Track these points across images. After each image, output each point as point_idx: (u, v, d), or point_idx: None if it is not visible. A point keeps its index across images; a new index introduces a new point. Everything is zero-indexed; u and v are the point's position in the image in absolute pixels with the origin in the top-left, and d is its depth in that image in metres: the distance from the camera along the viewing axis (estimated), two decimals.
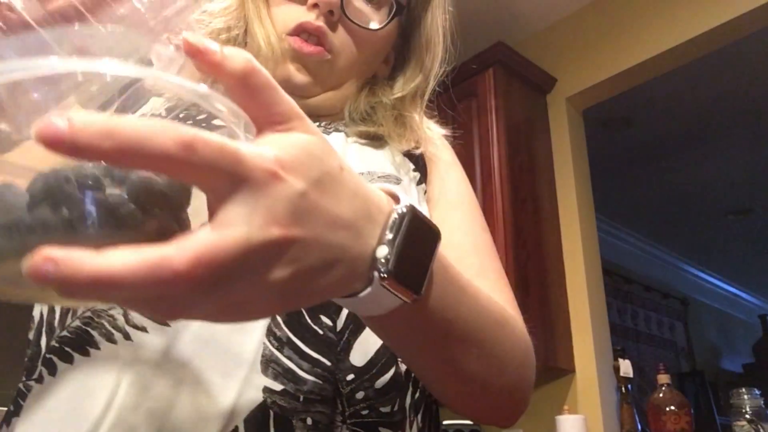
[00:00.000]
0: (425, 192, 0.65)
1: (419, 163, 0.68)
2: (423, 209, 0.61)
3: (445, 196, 0.66)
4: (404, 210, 0.34)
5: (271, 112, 0.30)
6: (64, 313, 0.50)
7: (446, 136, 0.74)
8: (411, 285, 0.34)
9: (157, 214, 0.28)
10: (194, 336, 0.46)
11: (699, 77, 3.04)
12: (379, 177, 0.59)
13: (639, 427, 2.26)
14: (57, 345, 0.49)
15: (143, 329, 0.47)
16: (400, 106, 0.70)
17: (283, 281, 0.28)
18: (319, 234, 0.28)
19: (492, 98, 2.46)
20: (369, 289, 0.32)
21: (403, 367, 0.52)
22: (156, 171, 0.26)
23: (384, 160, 0.64)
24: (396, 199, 0.35)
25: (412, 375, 0.53)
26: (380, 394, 0.51)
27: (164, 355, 0.45)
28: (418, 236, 0.34)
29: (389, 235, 0.33)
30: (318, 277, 0.29)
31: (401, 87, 0.71)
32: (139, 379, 0.45)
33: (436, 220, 0.63)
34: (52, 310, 0.52)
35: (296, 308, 0.48)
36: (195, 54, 0.28)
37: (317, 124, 0.66)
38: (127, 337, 0.47)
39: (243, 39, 0.66)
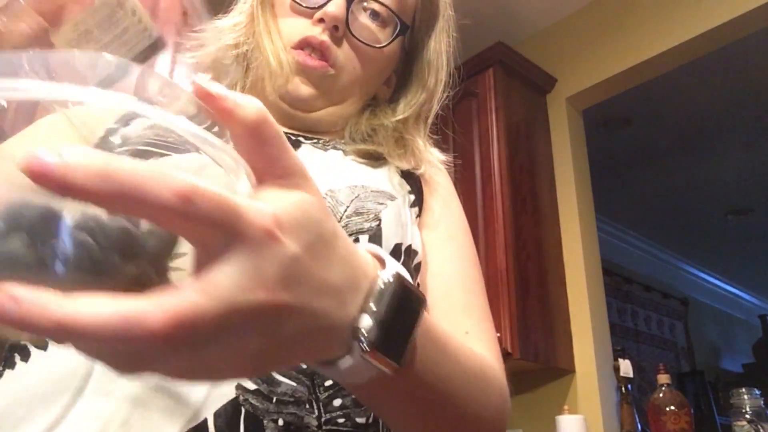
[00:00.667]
0: (418, 215, 0.65)
1: (416, 185, 0.67)
2: (413, 232, 0.61)
3: (442, 224, 0.66)
4: (390, 279, 0.32)
5: (275, 165, 0.28)
6: None
7: (446, 163, 0.73)
8: (393, 356, 0.33)
9: (137, 262, 0.26)
10: None
11: (699, 77, 3.04)
12: (372, 191, 0.59)
13: (639, 427, 2.26)
14: None
15: None
16: (402, 129, 0.70)
17: (262, 346, 0.26)
18: (305, 301, 0.27)
19: (492, 98, 2.46)
20: (350, 360, 0.31)
21: None
22: (149, 220, 0.25)
23: (381, 177, 0.64)
24: (382, 263, 0.34)
25: None
26: (357, 404, 0.50)
27: None
28: (402, 306, 0.33)
29: (373, 305, 0.31)
30: (298, 343, 0.28)
31: (403, 109, 0.71)
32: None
33: (430, 246, 0.63)
34: None
35: (268, 372, 0.47)
36: (205, 98, 0.27)
37: (316, 141, 0.66)
38: None
39: (252, 55, 0.67)
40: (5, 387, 0.48)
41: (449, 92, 0.73)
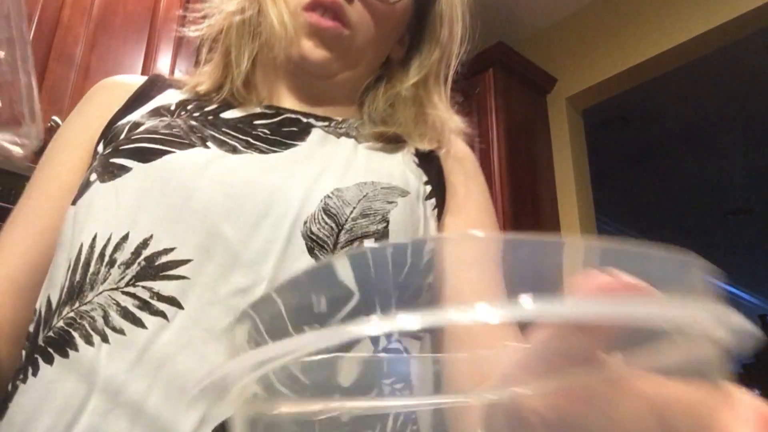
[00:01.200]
0: (435, 207, 0.62)
1: (435, 169, 0.64)
2: (428, 227, 0.59)
3: (463, 210, 0.64)
4: None
5: None
6: (54, 311, 0.50)
7: (466, 134, 0.70)
8: None
9: None
10: (173, 336, 0.45)
11: (698, 77, 3.04)
12: (383, 188, 0.56)
13: None
14: (43, 345, 0.49)
15: (121, 331, 0.46)
16: (422, 97, 0.67)
17: None
18: None
19: (492, 98, 2.46)
20: None
21: None
22: None
23: (394, 169, 0.61)
24: None
25: None
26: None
27: (138, 357, 0.45)
28: None
29: None
30: None
31: (417, 70, 0.67)
32: (111, 384, 0.44)
33: (453, 230, 0.61)
34: (49, 306, 0.51)
35: None
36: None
37: (328, 123, 0.64)
38: (104, 339, 0.46)
39: (257, 20, 0.64)
40: (16, 404, 0.47)
41: (467, 47, 0.69)
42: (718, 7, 2.26)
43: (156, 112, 0.61)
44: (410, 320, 0.17)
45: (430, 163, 0.64)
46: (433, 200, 0.62)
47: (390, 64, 0.70)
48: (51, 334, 0.49)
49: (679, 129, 3.57)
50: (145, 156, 0.53)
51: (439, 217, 0.62)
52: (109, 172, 0.53)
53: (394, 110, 0.67)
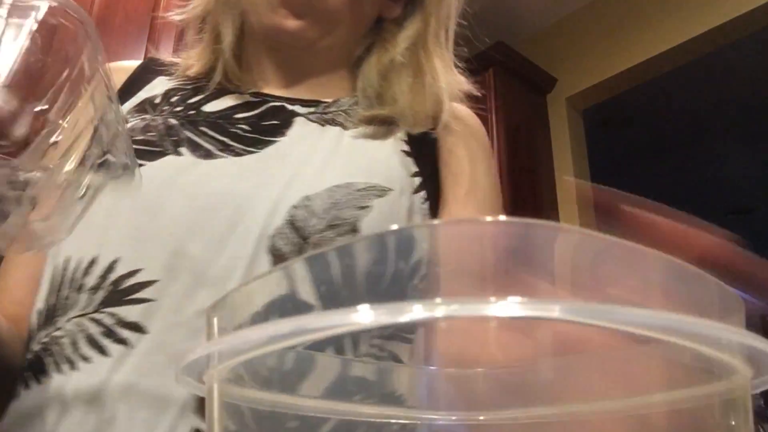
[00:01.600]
0: (427, 198, 0.58)
1: (429, 154, 0.60)
2: (418, 220, 0.56)
3: (463, 178, 0.60)
4: None
5: None
6: (35, 334, 0.50)
7: (470, 95, 0.65)
8: None
9: None
10: (135, 363, 0.45)
11: (699, 77, 3.04)
12: (358, 190, 0.53)
13: None
14: (23, 367, 0.49)
15: (88, 359, 0.46)
16: (421, 62, 0.63)
17: None
18: None
19: (492, 98, 2.46)
20: None
21: None
22: None
23: (377, 162, 0.57)
24: None
25: None
26: None
27: (100, 389, 0.45)
28: None
29: None
30: None
31: (413, 28, 0.63)
32: (78, 412, 0.44)
33: (448, 203, 0.58)
34: (31, 327, 0.51)
35: None
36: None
37: (314, 109, 0.60)
38: (73, 366, 0.46)
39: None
40: (20, 405, 0.48)
41: None
42: (718, 7, 2.26)
43: (140, 108, 0.60)
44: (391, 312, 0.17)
45: (423, 149, 0.60)
46: (423, 193, 0.58)
47: (382, 25, 0.65)
48: (30, 356, 0.49)
49: (679, 129, 3.57)
50: None
51: (434, 209, 0.58)
52: None
53: (389, 83, 0.63)
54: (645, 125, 3.54)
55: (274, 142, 0.56)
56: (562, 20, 2.77)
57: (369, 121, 0.60)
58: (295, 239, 0.49)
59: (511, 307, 0.16)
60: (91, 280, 0.48)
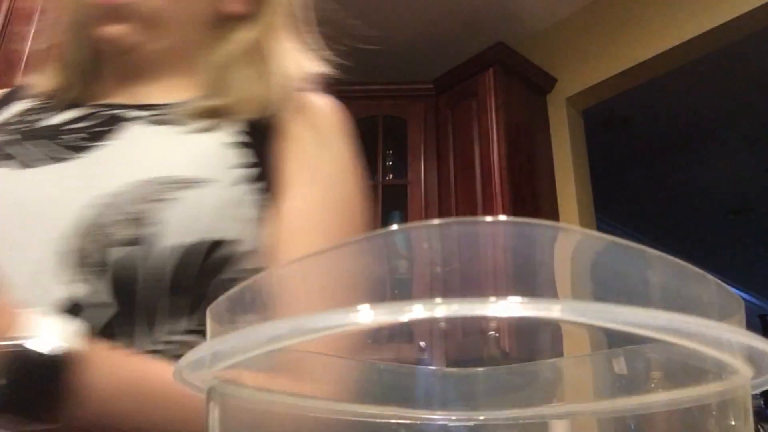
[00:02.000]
0: (267, 190, 0.56)
1: (267, 146, 0.58)
2: (247, 213, 0.54)
3: (307, 164, 0.58)
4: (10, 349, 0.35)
5: None
6: None
7: (323, 79, 0.63)
8: (37, 418, 0.36)
9: None
10: None
11: (699, 77, 3.04)
12: (163, 184, 0.52)
13: None
14: None
15: None
16: (266, 51, 0.62)
17: None
18: None
19: (492, 98, 2.46)
20: None
21: None
22: None
23: (197, 154, 0.56)
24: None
25: None
26: None
27: None
28: (30, 377, 0.36)
29: None
30: None
31: (259, 20, 0.63)
32: None
33: (288, 185, 0.56)
34: None
35: None
36: None
37: (149, 112, 0.60)
38: None
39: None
40: None
41: None
42: (718, 7, 2.26)
43: None
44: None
45: (265, 139, 0.59)
46: (262, 184, 0.56)
47: (229, 21, 0.65)
48: None
49: (679, 129, 3.57)
50: None
51: (276, 198, 0.57)
52: None
53: (225, 76, 0.62)
54: (645, 125, 3.54)
55: (100, 147, 0.57)
56: (562, 20, 2.77)
57: (198, 115, 0.59)
58: (95, 237, 0.50)
59: (511, 307, 0.16)
60: None
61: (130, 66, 0.63)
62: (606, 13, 2.62)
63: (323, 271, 0.22)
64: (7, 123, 0.61)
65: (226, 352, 0.20)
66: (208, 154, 0.56)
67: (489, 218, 0.19)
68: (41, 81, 0.66)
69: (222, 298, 0.22)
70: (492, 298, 0.16)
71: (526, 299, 0.16)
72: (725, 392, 0.22)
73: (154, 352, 0.49)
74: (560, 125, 2.65)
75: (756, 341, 0.18)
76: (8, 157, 0.56)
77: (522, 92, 2.61)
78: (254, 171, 0.56)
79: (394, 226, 0.19)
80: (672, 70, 2.51)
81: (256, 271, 0.52)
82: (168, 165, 0.54)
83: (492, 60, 2.50)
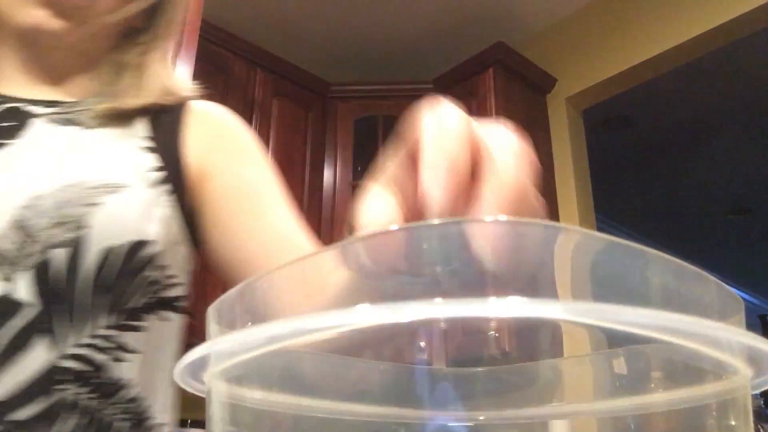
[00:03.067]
0: (173, 191, 0.59)
1: (169, 150, 0.61)
2: (158, 215, 0.57)
3: (255, 187, 0.61)
4: None
5: None
6: None
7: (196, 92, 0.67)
8: None
9: None
10: None
11: (699, 77, 3.04)
12: (87, 188, 0.53)
13: None
14: None
15: None
16: (148, 62, 0.64)
17: None
18: None
19: (492, 98, 2.46)
20: None
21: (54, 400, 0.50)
22: None
23: (114, 159, 0.57)
24: None
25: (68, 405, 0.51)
26: (21, 428, 0.48)
27: None
28: None
29: None
30: None
31: (151, 36, 0.65)
32: None
33: (242, 218, 0.59)
34: None
35: None
36: None
37: (55, 110, 0.60)
38: None
39: None
40: None
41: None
42: (718, 7, 2.25)
43: None
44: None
45: (165, 142, 0.61)
46: (168, 186, 0.59)
47: (131, 32, 0.66)
48: None
49: (679, 129, 3.57)
50: None
51: (181, 199, 0.59)
52: None
53: (119, 78, 0.64)
54: (645, 125, 3.54)
55: (9, 144, 0.56)
56: (562, 20, 2.77)
57: (104, 116, 0.60)
58: (19, 239, 0.50)
59: (511, 307, 0.16)
60: None
61: (41, 58, 0.62)
62: (606, 13, 2.62)
63: (322, 271, 0.22)
64: None
65: (226, 352, 0.20)
66: (124, 159, 0.58)
67: (489, 218, 0.19)
68: None
69: (221, 299, 0.22)
70: (492, 298, 0.16)
71: (526, 299, 0.16)
72: (725, 392, 0.22)
73: (78, 347, 0.51)
74: (560, 125, 2.65)
75: (756, 341, 0.18)
76: None
77: (522, 92, 2.61)
78: (161, 174, 0.59)
79: (394, 226, 0.19)
80: (672, 70, 2.51)
81: (168, 268, 0.56)
82: (90, 169, 0.55)
83: (492, 60, 2.50)
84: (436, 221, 0.19)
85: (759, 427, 1.95)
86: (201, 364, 0.21)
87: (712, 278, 0.20)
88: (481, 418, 0.28)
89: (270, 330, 0.18)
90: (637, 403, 0.26)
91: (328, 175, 2.65)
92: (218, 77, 2.38)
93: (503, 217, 0.19)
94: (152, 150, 0.60)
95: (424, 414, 0.28)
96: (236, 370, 0.23)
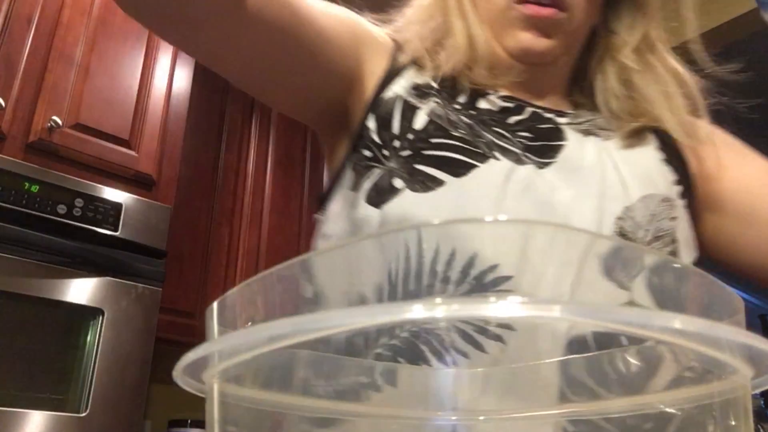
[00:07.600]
0: (686, 207, 0.57)
1: (679, 160, 0.60)
2: (688, 233, 0.55)
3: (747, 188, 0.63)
4: None
5: None
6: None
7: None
8: None
9: None
10: (512, 356, 0.42)
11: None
12: (661, 201, 0.52)
13: None
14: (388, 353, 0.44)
15: (465, 354, 0.42)
16: (654, 63, 0.63)
17: None
18: None
19: None
20: None
21: None
22: None
23: (655, 174, 0.56)
24: None
25: None
26: None
27: (485, 379, 0.40)
28: None
29: None
30: None
31: (631, 26, 0.65)
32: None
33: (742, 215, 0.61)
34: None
35: None
36: None
37: (568, 119, 0.59)
38: (453, 360, 0.42)
39: (442, 32, 0.60)
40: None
41: None
42: (719, 6, 2.26)
43: (422, 93, 0.57)
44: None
45: (675, 156, 0.60)
46: (685, 201, 0.57)
47: (593, 34, 0.65)
48: (395, 342, 0.44)
49: None
50: (455, 169, 0.51)
51: (693, 217, 0.58)
52: (420, 181, 0.50)
53: (634, 90, 0.62)
54: None
55: (559, 150, 0.55)
56: None
57: (627, 134, 0.59)
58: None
59: (511, 307, 0.16)
60: (454, 274, 0.46)
61: (526, 73, 0.61)
62: None
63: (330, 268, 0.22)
64: (425, 91, 0.58)
65: (226, 352, 0.20)
66: (658, 173, 0.57)
67: (489, 218, 0.19)
68: (438, 59, 0.60)
69: (221, 298, 0.22)
70: (492, 298, 0.16)
71: (526, 299, 0.16)
72: (725, 392, 0.22)
73: None
74: None
75: (756, 341, 0.18)
76: (488, 147, 0.53)
77: None
78: (679, 188, 0.58)
79: (394, 226, 0.19)
80: None
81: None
82: (650, 179, 0.55)
83: None
84: (435, 221, 0.19)
85: (759, 427, 1.96)
86: (201, 364, 0.21)
87: (712, 278, 0.20)
88: (481, 418, 0.28)
89: (270, 330, 0.18)
90: (638, 402, 0.26)
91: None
92: (219, 77, 2.38)
93: (503, 217, 0.19)
94: (667, 162, 0.59)
95: (424, 414, 0.28)
96: (236, 370, 0.23)
